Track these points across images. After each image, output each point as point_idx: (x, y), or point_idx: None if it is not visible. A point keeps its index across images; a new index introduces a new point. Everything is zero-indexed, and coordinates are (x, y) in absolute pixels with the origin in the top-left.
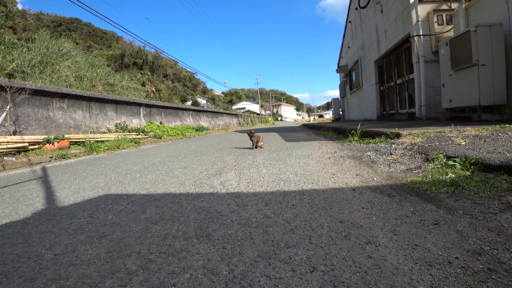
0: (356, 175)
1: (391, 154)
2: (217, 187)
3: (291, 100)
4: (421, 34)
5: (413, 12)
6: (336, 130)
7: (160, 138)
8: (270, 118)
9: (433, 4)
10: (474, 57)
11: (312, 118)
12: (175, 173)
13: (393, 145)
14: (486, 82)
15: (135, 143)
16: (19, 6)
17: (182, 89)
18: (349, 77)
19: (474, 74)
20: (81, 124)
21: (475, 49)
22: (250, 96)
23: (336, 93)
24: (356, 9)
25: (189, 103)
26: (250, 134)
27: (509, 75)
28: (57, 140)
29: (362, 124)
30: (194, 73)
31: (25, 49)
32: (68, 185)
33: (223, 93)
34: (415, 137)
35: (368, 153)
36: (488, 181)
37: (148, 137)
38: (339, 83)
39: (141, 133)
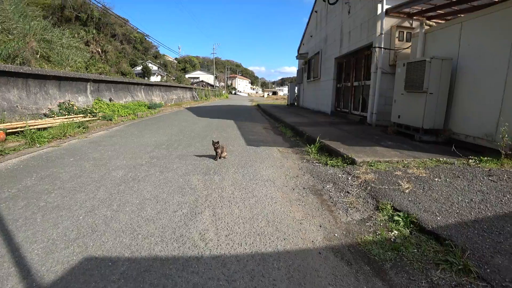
0: (320, 226)
1: (348, 192)
2: (200, 245)
3: (246, 73)
4: (382, 47)
5: (379, 23)
6: (294, 130)
7: (111, 120)
8: (224, 91)
9: (397, 19)
10: (425, 85)
11: (266, 94)
12: (149, 213)
13: (349, 177)
14: (431, 109)
15: (83, 128)
16: None
17: (131, 52)
18: (308, 65)
19: (422, 100)
20: (17, 106)
21: (427, 78)
22: (205, 65)
23: (292, 70)
24: (324, 1)
25: (139, 68)
26: (215, 146)
27: (448, 105)
28: None
29: (317, 125)
30: (146, 36)
31: None
32: (24, 233)
33: (176, 59)
34: (367, 169)
35: (328, 186)
36: (421, 246)
37: (97, 119)
38: (297, 69)
39: (88, 115)
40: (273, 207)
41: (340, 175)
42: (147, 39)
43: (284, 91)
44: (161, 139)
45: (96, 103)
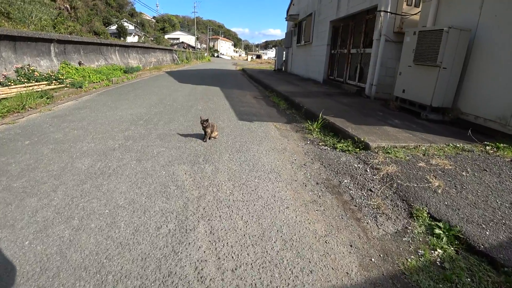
0: (350, 245)
1: (371, 191)
2: None
3: (229, 35)
4: (389, 11)
5: None
6: (288, 101)
7: (81, 87)
8: (206, 54)
9: None
10: (439, 59)
11: (250, 57)
12: (122, 232)
13: (367, 168)
14: (442, 85)
15: (47, 98)
16: None
17: (104, 9)
18: (298, 28)
19: (434, 74)
20: None
21: (442, 51)
22: (185, 25)
23: (276, 33)
24: None
25: (113, 27)
26: (204, 125)
27: (459, 82)
28: None
29: (312, 96)
30: None
31: None
32: None
33: (154, 18)
34: (386, 158)
35: (345, 181)
36: (474, 274)
37: (65, 87)
38: (285, 32)
39: (53, 82)
40: (286, 215)
41: (356, 165)
42: None
43: (268, 54)
44: (138, 111)
45: (63, 67)
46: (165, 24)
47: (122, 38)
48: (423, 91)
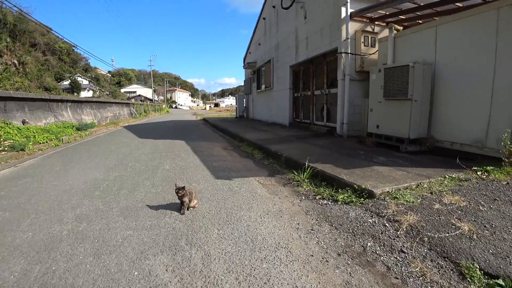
0: None
1: (403, 252)
2: None
3: (186, 85)
4: (349, 52)
5: (344, 28)
6: (261, 149)
7: (23, 150)
8: (164, 106)
9: (360, 24)
10: (410, 92)
11: (208, 106)
12: None
13: (385, 222)
14: (416, 117)
15: None
16: None
17: (57, 64)
18: (257, 75)
19: (407, 108)
20: None
21: (411, 85)
22: (142, 78)
23: (231, 81)
24: (274, 7)
25: (66, 82)
26: (180, 194)
27: (430, 112)
28: None
29: (286, 141)
30: (74, 46)
31: None
32: None
33: (109, 72)
34: (398, 205)
35: (368, 244)
36: None
37: (2, 151)
38: (244, 79)
39: None
40: None
41: (370, 221)
42: (75, 50)
43: (225, 102)
44: (93, 177)
45: (2, 127)
46: (121, 78)
47: (75, 93)
48: (399, 124)
